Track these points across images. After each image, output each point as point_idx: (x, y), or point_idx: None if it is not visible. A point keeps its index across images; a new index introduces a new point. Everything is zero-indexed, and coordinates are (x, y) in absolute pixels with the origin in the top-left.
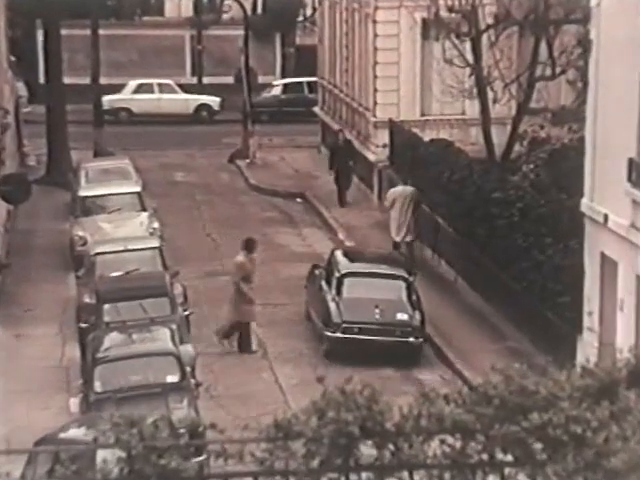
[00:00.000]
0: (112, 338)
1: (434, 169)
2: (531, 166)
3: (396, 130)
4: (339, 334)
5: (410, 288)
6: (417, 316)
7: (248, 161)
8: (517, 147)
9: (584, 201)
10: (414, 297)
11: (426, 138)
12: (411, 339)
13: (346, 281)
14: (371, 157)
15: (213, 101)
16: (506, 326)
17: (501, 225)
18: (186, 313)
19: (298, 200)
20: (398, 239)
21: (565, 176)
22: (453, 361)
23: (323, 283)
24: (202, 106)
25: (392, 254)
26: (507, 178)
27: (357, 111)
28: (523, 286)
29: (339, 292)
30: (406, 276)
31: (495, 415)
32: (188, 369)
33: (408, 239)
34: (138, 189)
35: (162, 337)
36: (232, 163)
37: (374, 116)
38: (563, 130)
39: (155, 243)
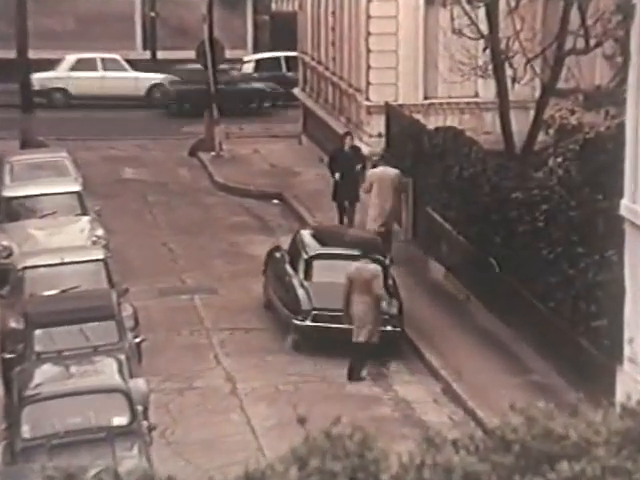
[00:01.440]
0: (44, 371)
1: (440, 164)
2: (559, 160)
3: (394, 116)
4: (309, 322)
5: (386, 272)
6: (394, 303)
7: (213, 154)
8: (542, 136)
9: (624, 202)
10: (390, 282)
11: (430, 126)
12: (388, 328)
13: (315, 264)
14: (364, 149)
15: (170, 80)
16: (529, 355)
17: (522, 232)
18: (137, 340)
19: (274, 201)
20: (374, 228)
21: (601, 172)
22: (464, 398)
23: (287, 267)
24: (156, 87)
25: (366, 234)
26: (529, 175)
27: (346, 93)
28: (550, 307)
29: (308, 276)
30: (382, 259)
31: (515, 465)
32: (139, 409)
33: (388, 227)
34: (77, 188)
35: (107, 370)
36: (194, 156)
37: (367, 99)
38: (598, 116)
39: (99, 254)
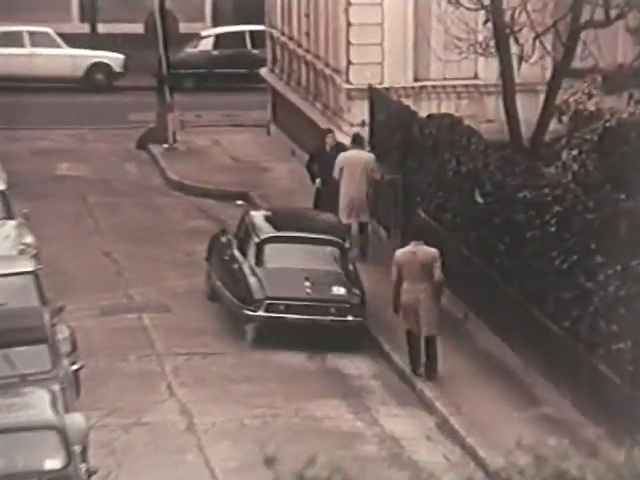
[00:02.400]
0: None
1: (434, 158)
2: (574, 152)
3: (379, 102)
4: (262, 313)
5: (346, 256)
6: (355, 292)
7: (166, 146)
8: (553, 125)
9: None
10: (351, 267)
11: (422, 113)
12: (349, 318)
13: (268, 248)
14: (344, 142)
15: (113, 59)
16: (539, 384)
17: (531, 238)
18: (74, 367)
19: (238, 202)
20: (346, 221)
21: (623, 167)
22: (462, 434)
23: (236, 252)
24: (97, 66)
25: (323, 215)
26: (539, 170)
27: (323, 74)
28: (563, 326)
29: (259, 262)
30: (341, 242)
31: None
32: (76, 449)
33: (363, 219)
34: (1, 187)
35: (38, 403)
36: (143, 149)
37: (347, 82)
38: (620, 100)
39: (27, 266)
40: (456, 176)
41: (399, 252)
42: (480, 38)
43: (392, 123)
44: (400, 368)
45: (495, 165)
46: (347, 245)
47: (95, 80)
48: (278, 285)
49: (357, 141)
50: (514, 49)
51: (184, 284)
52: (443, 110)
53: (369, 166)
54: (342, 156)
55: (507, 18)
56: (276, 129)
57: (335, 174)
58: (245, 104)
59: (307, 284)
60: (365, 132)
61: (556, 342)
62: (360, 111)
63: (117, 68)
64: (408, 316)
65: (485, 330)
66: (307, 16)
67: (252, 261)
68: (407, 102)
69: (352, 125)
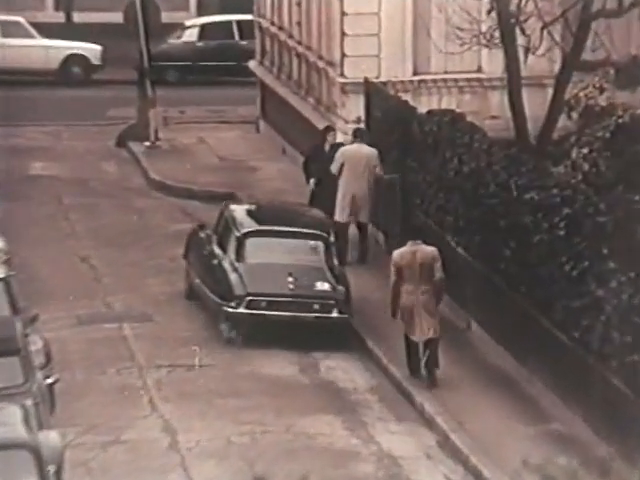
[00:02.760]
0: None
1: (434, 157)
2: (585, 151)
3: (375, 97)
4: (243, 310)
5: (331, 251)
6: (339, 288)
7: (148, 144)
8: (562, 121)
9: None
10: (336, 262)
11: (422, 109)
12: (334, 314)
13: (249, 243)
14: (337, 138)
15: (90, 51)
16: (547, 398)
17: (538, 243)
18: (49, 381)
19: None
20: (343, 219)
21: (636, 166)
22: (465, 452)
23: (215, 247)
24: (73, 58)
25: (307, 208)
26: (547, 170)
27: (315, 67)
28: (573, 336)
29: (240, 257)
30: (325, 236)
31: None
32: (51, 469)
33: (363, 219)
34: None
35: (9, 420)
36: (123, 147)
37: (341, 75)
38: (634, 95)
39: None
40: (458, 176)
41: (397, 253)
42: (484, 28)
43: (389, 119)
44: (398, 380)
45: (500, 164)
46: (332, 239)
47: (71, 73)
48: (260, 281)
49: (359, 136)
50: (520, 40)
51: (167, 291)
52: (444, 106)
53: (372, 161)
54: (342, 150)
55: (513, 7)
56: (266, 126)
57: (334, 169)
58: (232, 99)
59: (290, 280)
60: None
61: (565, 353)
62: (355, 107)
63: (94, 60)
64: (407, 319)
65: (489, 340)
66: (299, 5)
67: (232, 256)
68: (406, 97)
69: (347, 122)
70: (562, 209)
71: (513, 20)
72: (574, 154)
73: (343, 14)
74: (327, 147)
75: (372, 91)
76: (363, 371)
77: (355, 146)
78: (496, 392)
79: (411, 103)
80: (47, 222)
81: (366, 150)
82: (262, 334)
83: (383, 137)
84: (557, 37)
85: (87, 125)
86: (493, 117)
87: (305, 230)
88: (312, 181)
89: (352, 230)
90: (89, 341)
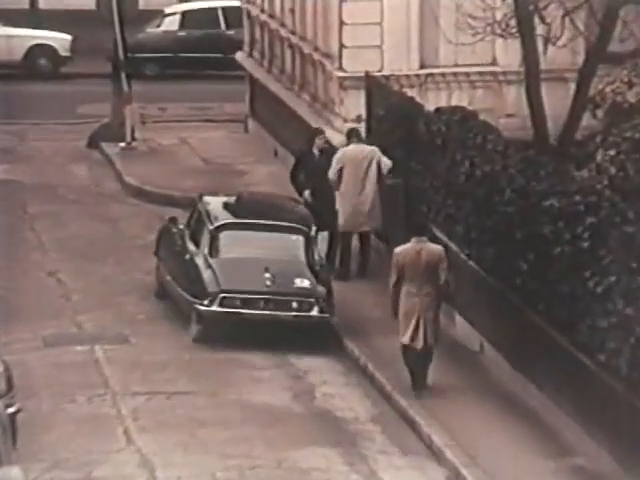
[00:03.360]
0: None
1: (443, 159)
2: (611, 153)
3: (378, 93)
4: (216, 308)
5: (311, 245)
6: (320, 287)
7: (123, 145)
8: (586, 120)
9: None
10: (317, 257)
11: (429, 106)
12: (314, 313)
13: (223, 236)
14: (335, 139)
15: (58, 40)
16: (569, 429)
17: (559, 255)
18: (11, 410)
19: None
20: (346, 227)
21: None
22: None
23: (188, 242)
24: (39, 49)
25: (287, 200)
26: (569, 174)
27: (311, 60)
28: (598, 360)
29: (214, 252)
30: (306, 230)
31: None
32: None
33: (366, 228)
34: None
35: None
36: (95, 148)
37: (340, 68)
38: None
39: None
40: (469, 181)
41: (400, 250)
42: (499, 16)
43: (393, 118)
44: (403, 409)
45: (516, 168)
46: (312, 233)
47: (37, 65)
48: (234, 277)
49: (354, 136)
50: (539, 29)
51: (144, 309)
52: (454, 102)
53: (375, 160)
54: (342, 152)
55: None
56: (255, 125)
57: (332, 175)
58: (218, 95)
59: (267, 276)
60: (361, 128)
61: (590, 379)
62: (355, 104)
63: (63, 51)
64: (405, 324)
65: (504, 364)
66: None
67: (205, 251)
68: (411, 93)
69: (346, 120)
70: (586, 218)
71: (531, 7)
72: (599, 156)
73: (341, 0)
74: (317, 152)
75: (374, 86)
76: (364, 398)
77: (354, 146)
78: (512, 422)
79: (417, 100)
80: (10, 233)
81: (368, 149)
82: (237, 334)
83: (386, 138)
84: (581, 26)
85: (55, 124)
86: (509, 115)
87: (284, 223)
88: (307, 192)
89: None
90: (57, 365)
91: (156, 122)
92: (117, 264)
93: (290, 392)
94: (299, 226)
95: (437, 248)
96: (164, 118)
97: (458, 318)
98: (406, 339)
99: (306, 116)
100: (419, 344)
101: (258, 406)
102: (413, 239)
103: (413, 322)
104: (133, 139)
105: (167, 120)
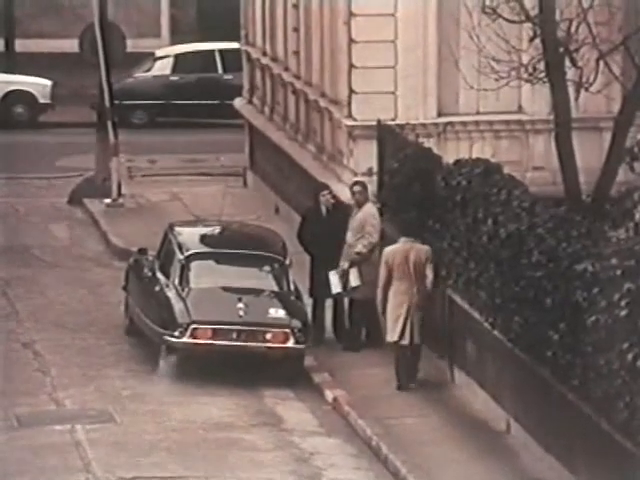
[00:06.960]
0: None
1: (463, 217)
2: None
3: (391, 143)
4: (186, 339)
5: (286, 274)
6: (297, 313)
7: (108, 202)
8: (623, 174)
9: None
10: (292, 287)
11: (449, 158)
12: (289, 344)
13: (194, 266)
14: (343, 195)
15: (37, 86)
16: None
17: (594, 325)
18: None
19: None
20: (396, 338)
21: None
22: None
23: (158, 273)
24: (15, 95)
25: (262, 229)
26: (604, 234)
27: (317, 107)
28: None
29: (184, 282)
30: (280, 259)
31: None
32: None
33: (405, 342)
34: None
35: None
36: (77, 205)
37: (349, 116)
38: None
39: None
40: (493, 242)
41: (389, 250)
42: (525, 59)
43: (408, 171)
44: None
45: (545, 227)
46: (287, 262)
47: (13, 113)
48: (205, 307)
49: (358, 192)
50: (570, 74)
51: (131, 384)
52: (476, 154)
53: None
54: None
55: (561, 33)
56: (255, 179)
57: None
58: (214, 146)
59: (240, 306)
60: (372, 183)
61: (630, 462)
62: (366, 156)
63: (42, 98)
64: (393, 322)
65: (533, 446)
66: (296, 30)
67: (176, 282)
68: (428, 144)
69: (355, 174)
70: (623, 283)
71: (562, 49)
72: (638, 214)
73: (351, 42)
74: (324, 210)
75: (386, 136)
76: (366, 472)
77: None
78: None
79: (435, 151)
80: None
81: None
82: (207, 366)
83: (400, 193)
84: (616, 70)
85: (32, 178)
86: (536, 168)
87: (257, 252)
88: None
89: None
90: (32, 448)
91: (145, 176)
92: (100, 335)
93: (293, 476)
94: (274, 255)
95: (424, 248)
96: (154, 172)
97: (481, 393)
98: (394, 336)
99: (311, 169)
100: (406, 341)
101: None
102: (402, 239)
103: (401, 320)
104: (119, 195)
105: (157, 174)
